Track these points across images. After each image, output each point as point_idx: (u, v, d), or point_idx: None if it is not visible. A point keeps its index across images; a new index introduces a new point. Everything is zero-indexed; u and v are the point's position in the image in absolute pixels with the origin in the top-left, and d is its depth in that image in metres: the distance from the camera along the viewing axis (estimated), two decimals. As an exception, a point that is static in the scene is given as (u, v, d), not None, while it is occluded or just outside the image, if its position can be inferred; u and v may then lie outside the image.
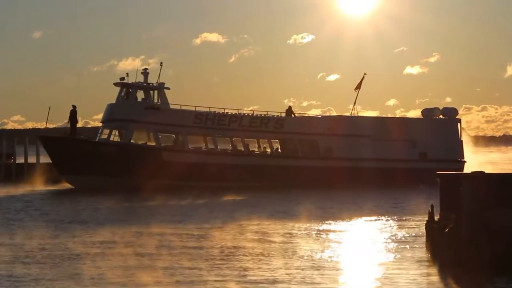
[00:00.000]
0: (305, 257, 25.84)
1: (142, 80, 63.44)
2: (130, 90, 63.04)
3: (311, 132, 64.27)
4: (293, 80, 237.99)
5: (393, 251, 27.27)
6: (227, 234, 31.86)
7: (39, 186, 61.65)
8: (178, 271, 23.23)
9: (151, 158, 59.58)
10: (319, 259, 25.58)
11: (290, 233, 32.21)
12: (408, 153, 65.18)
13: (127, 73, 62.97)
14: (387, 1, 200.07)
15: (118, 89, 63.72)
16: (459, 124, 66.89)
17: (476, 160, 67.45)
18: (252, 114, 64.71)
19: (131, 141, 62.25)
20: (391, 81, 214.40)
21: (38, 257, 25.90)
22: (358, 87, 67.07)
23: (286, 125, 64.10)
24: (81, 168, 59.11)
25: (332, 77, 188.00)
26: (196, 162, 60.02)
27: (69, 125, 62.15)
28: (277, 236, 31.21)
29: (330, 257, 26.02)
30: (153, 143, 62.54)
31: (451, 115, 67.10)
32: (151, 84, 63.04)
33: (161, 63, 64.88)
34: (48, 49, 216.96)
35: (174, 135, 63.80)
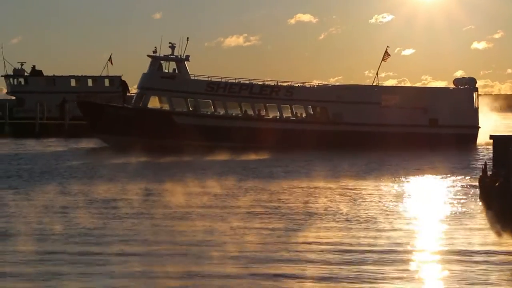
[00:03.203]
0: (374, 206, 29.69)
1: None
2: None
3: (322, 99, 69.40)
4: (373, 54, 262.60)
5: (451, 202, 30.75)
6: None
7: None
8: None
9: (163, 120, 67.04)
10: (387, 206, 29.48)
11: (353, 189, 35.70)
12: (417, 119, 69.27)
13: (156, 47, 69.46)
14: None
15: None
16: (475, 93, 70.84)
17: (493, 125, 70.94)
18: (263, 83, 69.62)
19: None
20: (459, 55, 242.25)
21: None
22: (386, 56, 71.90)
23: (296, 93, 68.97)
24: (107, 128, 67.13)
25: (407, 52, 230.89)
26: (204, 125, 66.64)
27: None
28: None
29: (396, 206, 29.86)
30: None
31: (470, 84, 71.54)
32: (176, 56, 69.37)
33: (187, 38, 70.12)
34: (166, 28, 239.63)
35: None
